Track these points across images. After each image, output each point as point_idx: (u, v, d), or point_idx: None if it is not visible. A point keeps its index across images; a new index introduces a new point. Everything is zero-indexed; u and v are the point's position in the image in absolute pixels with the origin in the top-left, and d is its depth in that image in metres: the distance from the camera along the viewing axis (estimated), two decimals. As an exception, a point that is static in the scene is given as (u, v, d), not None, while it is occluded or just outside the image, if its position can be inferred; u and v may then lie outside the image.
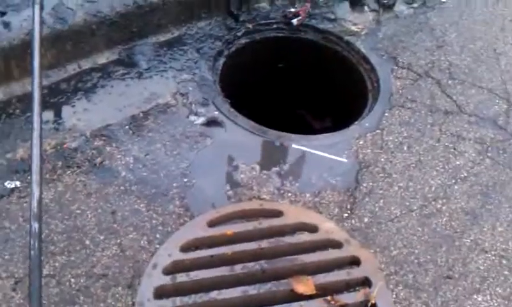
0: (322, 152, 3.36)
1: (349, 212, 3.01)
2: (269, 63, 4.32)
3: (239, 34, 4.07)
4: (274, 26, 4.20)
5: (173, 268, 2.53)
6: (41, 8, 3.26)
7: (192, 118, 3.45)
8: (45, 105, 3.31)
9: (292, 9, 4.20)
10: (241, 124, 3.48)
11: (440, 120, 3.56)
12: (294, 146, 3.39)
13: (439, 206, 3.06)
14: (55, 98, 3.39)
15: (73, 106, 3.38)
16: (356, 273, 2.58)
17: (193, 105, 3.52)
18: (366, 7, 4.35)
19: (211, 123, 3.45)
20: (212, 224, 2.73)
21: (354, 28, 4.21)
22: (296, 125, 4.59)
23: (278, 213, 2.82)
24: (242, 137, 3.39)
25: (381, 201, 3.08)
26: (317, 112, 4.74)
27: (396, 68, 3.93)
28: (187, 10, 3.86)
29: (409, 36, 4.17)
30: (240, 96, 4.17)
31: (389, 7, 4.38)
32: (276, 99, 4.58)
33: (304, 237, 2.73)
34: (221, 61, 3.93)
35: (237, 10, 4.07)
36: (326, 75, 4.38)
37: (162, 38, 3.85)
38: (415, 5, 4.46)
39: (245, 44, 4.10)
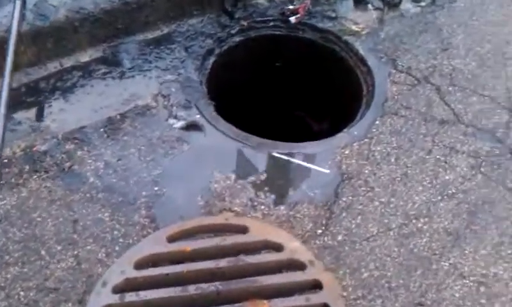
0: (304, 162, 3.20)
1: (323, 228, 2.86)
2: (264, 62, 4.16)
3: (233, 31, 3.92)
4: (271, 24, 4.03)
5: (124, 287, 2.44)
6: (24, 4, 3.19)
7: (171, 121, 3.34)
8: (21, 105, 3.27)
9: (291, 7, 4.01)
10: (222, 129, 3.35)
11: (434, 130, 3.34)
12: (275, 154, 3.23)
13: (420, 225, 2.87)
14: (32, 98, 3.34)
15: (50, 106, 3.31)
16: (315, 299, 2.44)
17: (174, 107, 3.41)
18: (370, 6, 4.12)
19: (190, 127, 3.34)
20: (172, 239, 2.63)
21: (354, 27, 4.00)
22: (294, 127, 4.46)
23: (243, 230, 2.69)
24: (221, 143, 3.26)
25: (359, 217, 2.91)
26: (316, 113, 4.56)
27: (394, 71, 3.71)
28: (178, 7, 3.74)
29: (413, 37, 3.93)
30: (231, 96, 4.05)
31: (394, 5, 4.15)
32: (273, 99, 4.43)
33: (267, 257, 2.60)
34: (211, 60, 3.80)
35: (231, 7, 3.92)
36: (324, 75, 4.19)
37: (150, 35, 3.74)
38: (423, 3, 4.21)
39: (239, 42, 3.95)
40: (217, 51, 3.83)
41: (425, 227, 2.87)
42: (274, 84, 4.32)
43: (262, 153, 3.24)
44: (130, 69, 3.55)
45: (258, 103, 4.33)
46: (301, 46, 4.06)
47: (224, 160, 3.17)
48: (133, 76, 3.53)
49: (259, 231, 2.68)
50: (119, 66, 3.56)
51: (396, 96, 3.55)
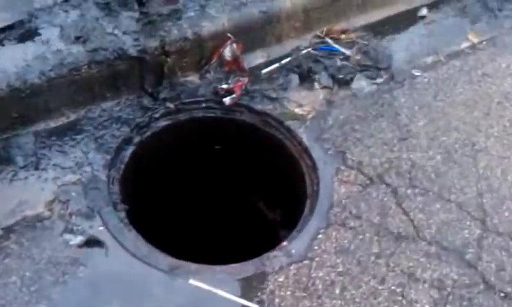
0: (227, 293, 2.57)
1: None
2: (196, 148, 3.55)
3: (157, 115, 3.30)
4: (203, 105, 3.43)
5: None
6: None
7: (67, 236, 2.70)
8: None
9: (225, 86, 3.42)
10: (129, 247, 2.71)
11: (390, 249, 2.76)
12: (192, 282, 2.60)
13: None
14: None
15: None
16: None
17: (73, 217, 2.77)
18: (317, 84, 3.56)
19: (90, 243, 2.69)
20: None
21: (298, 111, 3.43)
22: (246, 212, 3.86)
23: None
24: (125, 267, 2.64)
25: None
26: (268, 200, 3.94)
27: (343, 168, 3.13)
28: (85, 90, 3.11)
29: (366, 123, 3.37)
30: (154, 192, 3.42)
31: (346, 83, 3.59)
32: (212, 186, 3.82)
33: None
34: (128, 151, 3.16)
35: (152, 87, 3.30)
36: (269, 162, 3.59)
37: (53, 123, 3.11)
38: (379, 80, 3.66)
39: (165, 127, 3.32)
40: (136, 140, 3.19)
41: None
42: (210, 171, 3.71)
43: (175, 280, 2.60)
44: (22, 168, 2.90)
45: (192, 195, 3.71)
46: (240, 129, 3.46)
47: (128, 291, 2.54)
48: (26, 177, 2.88)
49: None
50: (10, 165, 2.90)
51: (344, 201, 2.96)
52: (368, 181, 3.06)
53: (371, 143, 3.25)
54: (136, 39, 3.22)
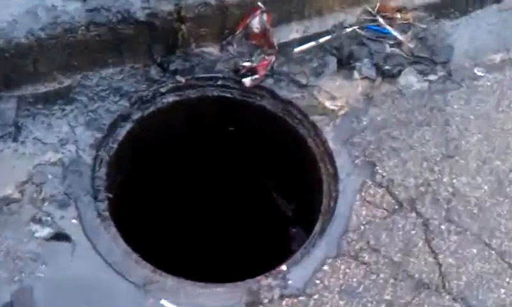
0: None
1: None
2: (207, 130, 3.12)
3: (164, 89, 2.87)
4: (219, 83, 2.96)
5: None
6: None
7: (33, 227, 2.36)
8: None
9: (247, 63, 2.93)
10: (101, 249, 2.36)
11: (405, 298, 2.30)
12: (163, 302, 2.23)
13: None
14: None
15: None
16: None
17: (45, 204, 2.43)
18: (356, 73, 3.01)
19: (59, 238, 2.35)
20: None
21: (329, 104, 2.91)
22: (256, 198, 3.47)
23: None
24: (91, 274, 2.29)
25: None
26: (282, 188, 3.50)
27: (370, 183, 2.64)
28: (81, 55, 2.70)
29: (407, 130, 2.84)
30: (151, 177, 3.04)
31: (391, 76, 3.03)
32: (222, 173, 3.40)
33: None
34: (125, 128, 2.76)
35: (162, 57, 2.85)
36: (285, 158, 3.13)
37: (43, 88, 2.73)
38: (433, 77, 3.06)
39: (172, 104, 2.89)
40: (135, 116, 2.78)
41: None
42: (218, 158, 3.29)
43: (147, 298, 2.23)
44: (1, 138, 2.54)
45: (194, 183, 3.31)
46: (256, 114, 2.99)
47: (88, 304, 2.17)
48: (1, 151, 2.52)
49: None
50: (-15, 135, 2.56)
51: (363, 227, 2.49)
52: (396, 206, 2.55)
53: (409, 157, 2.72)
54: (146, 1, 2.75)
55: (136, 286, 2.27)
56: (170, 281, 2.31)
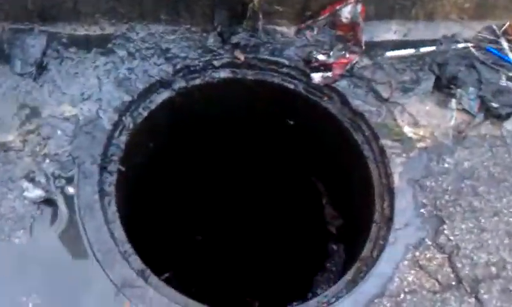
0: None
1: None
2: (257, 119, 2.69)
3: (218, 62, 2.45)
4: (284, 70, 2.49)
5: None
6: None
7: (25, 184, 2.07)
8: None
9: (323, 56, 2.43)
10: (90, 230, 2.02)
11: None
12: (131, 312, 1.87)
13: None
14: None
15: None
16: None
17: (46, 161, 2.14)
18: (454, 102, 2.42)
19: (48, 204, 2.03)
20: None
21: (408, 130, 2.36)
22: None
23: None
24: (68, 256, 2.00)
25: None
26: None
27: (429, 243, 2.12)
28: (132, 2, 2.34)
29: (499, 191, 2.26)
30: (187, 155, 2.66)
31: (497, 117, 2.41)
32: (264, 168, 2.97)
33: None
34: (162, 96, 2.38)
35: (224, 26, 2.42)
36: (338, 175, 2.66)
37: (81, 30, 2.41)
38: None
39: (224, 81, 2.47)
40: (177, 85, 2.39)
41: None
42: (263, 152, 2.85)
43: (120, 301, 1.86)
44: (18, 75, 2.25)
45: (231, 169, 2.91)
46: (316, 117, 2.51)
47: (56, 290, 1.89)
48: (14, 88, 2.24)
49: None
50: (5, 65, 2.27)
51: (404, 295, 2.01)
52: (453, 282, 2.01)
53: (490, 225, 2.13)
54: (216, -43, 2.33)
55: (112, 287, 1.90)
56: (152, 292, 1.92)
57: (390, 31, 2.59)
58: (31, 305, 1.83)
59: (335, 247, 2.74)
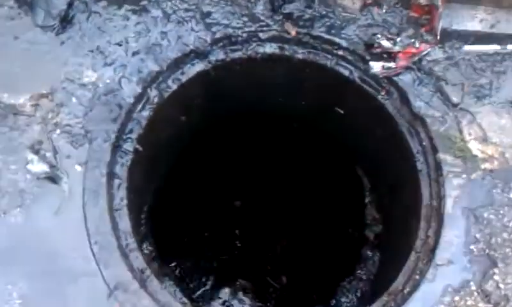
0: None
1: None
2: (301, 101, 2.39)
3: (264, 35, 2.14)
4: (339, 53, 2.15)
5: None
6: None
7: (30, 156, 1.91)
8: None
9: (388, 42, 2.07)
10: (90, 217, 1.87)
11: None
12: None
13: None
14: None
15: None
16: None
17: (56, 131, 1.97)
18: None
19: (51, 181, 1.87)
20: None
21: (475, 147, 2.00)
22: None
23: None
24: (62, 244, 1.85)
25: None
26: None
27: (473, 288, 1.82)
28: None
29: None
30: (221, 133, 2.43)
31: None
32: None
33: None
34: (196, 67, 2.13)
35: (279, -5, 2.11)
36: (384, 176, 2.34)
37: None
38: None
39: (268, 56, 2.17)
40: (214, 56, 2.12)
41: None
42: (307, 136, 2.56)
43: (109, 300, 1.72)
44: (39, 27, 2.05)
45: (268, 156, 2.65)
46: (369, 112, 2.18)
47: (46, 277, 1.77)
48: (32, 43, 2.04)
49: None
50: (27, 15, 2.06)
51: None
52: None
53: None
54: None
55: (104, 287, 1.75)
56: (147, 300, 1.74)
57: (474, 19, 2.16)
58: (15, 294, 1.71)
59: (369, 253, 2.46)
